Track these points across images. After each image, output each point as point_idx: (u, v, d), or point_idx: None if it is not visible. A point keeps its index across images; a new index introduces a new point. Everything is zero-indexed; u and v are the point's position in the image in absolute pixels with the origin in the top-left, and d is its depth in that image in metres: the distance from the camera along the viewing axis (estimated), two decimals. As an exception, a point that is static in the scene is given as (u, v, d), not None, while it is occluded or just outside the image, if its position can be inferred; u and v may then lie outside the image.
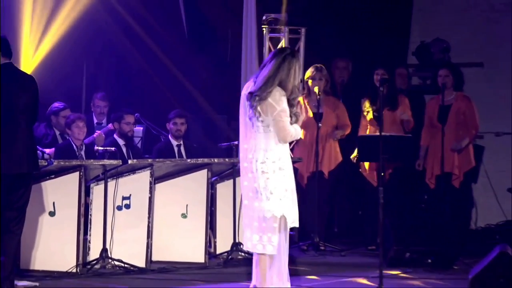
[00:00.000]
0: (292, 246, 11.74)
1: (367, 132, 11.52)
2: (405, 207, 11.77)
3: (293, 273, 10.04)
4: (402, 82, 12.30)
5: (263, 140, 7.81)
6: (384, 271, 8.44)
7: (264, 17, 12.24)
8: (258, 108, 7.71)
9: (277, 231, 7.73)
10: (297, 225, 7.91)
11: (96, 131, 11.56)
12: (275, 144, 7.85)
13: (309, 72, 11.70)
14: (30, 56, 12.21)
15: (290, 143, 11.83)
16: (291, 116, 7.86)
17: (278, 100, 7.72)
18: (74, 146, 10.64)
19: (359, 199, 12.29)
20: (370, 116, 11.56)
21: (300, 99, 11.74)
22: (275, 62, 7.79)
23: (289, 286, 7.94)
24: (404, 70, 12.61)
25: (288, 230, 7.87)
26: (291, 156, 11.52)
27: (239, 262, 10.40)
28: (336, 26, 13.13)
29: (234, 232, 10.54)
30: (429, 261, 10.52)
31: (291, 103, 7.81)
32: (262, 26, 12.28)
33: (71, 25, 12.47)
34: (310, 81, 11.65)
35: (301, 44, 12.52)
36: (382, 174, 9.34)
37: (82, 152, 10.66)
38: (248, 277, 9.43)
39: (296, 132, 7.95)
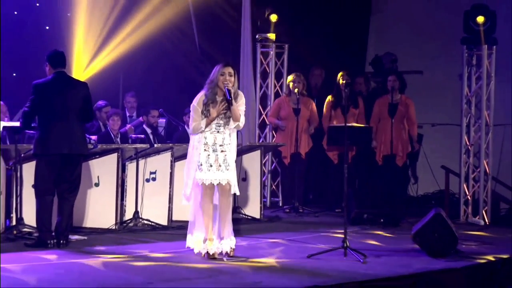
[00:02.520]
0: (277, 209, 11.89)
1: (335, 123, 11.58)
2: (363, 180, 11.83)
3: (279, 229, 10.17)
4: (361, 87, 12.33)
5: None
6: (348, 228, 8.49)
7: (257, 36, 12.29)
8: None
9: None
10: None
11: (127, 124, 11.60)
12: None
13: (290, 77, 11.72)
14: (83, 67, 12.22)
15: (275, 131, 12.07)
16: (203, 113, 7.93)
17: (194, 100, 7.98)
18: (112, 134, 10.70)
19: (327, 173, 12.32)
20: (328, 99, 11.67)
21: (284, 97, 11.95)
22: None
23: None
24: (362, 78, 12.62)
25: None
26: (274, 142, 11.73)
27: (240, 220, 10.44)
28: (312, 43, 13.11)
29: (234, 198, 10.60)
30: (381, 220, 10.56)
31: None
32: (256, 42, 12.35)
33: (114, 47, 12.50)
34: (291, 84, 11.71)
35: (285, 57, 12.60)
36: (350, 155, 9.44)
37: (118, 139, 10.71)
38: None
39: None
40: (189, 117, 11.17)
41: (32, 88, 8.45)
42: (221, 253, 7.99)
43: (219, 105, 7.91)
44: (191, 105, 8.02)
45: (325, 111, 11.78)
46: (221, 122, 7.97)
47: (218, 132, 7.99)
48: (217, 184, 7.99)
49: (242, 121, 8.02)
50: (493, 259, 8.51)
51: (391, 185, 11.37)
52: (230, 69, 7.95)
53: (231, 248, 8.02)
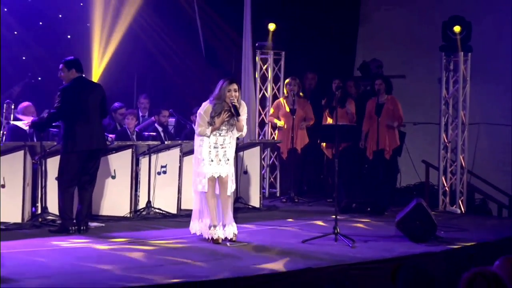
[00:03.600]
0: (275, 199, 11.89)
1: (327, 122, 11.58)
2: (352, 173, 11.83)
3: (276, 217, 10.18)
4: (351, 90, 12.31)
5: None
6: (338, 216, 8.51)
7: (256, 44, 12.27)
8: None
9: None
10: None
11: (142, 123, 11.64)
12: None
13: (287, 81, 11.73)
14: (101, 72, 12.22)
15: (274, 129, 12.08)
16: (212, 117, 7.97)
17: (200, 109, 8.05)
18: (128, 132, 10.69)
19: (320, 167, 12.33)
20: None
21: (281, 99, 11.97)
22: None
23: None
24: (352, 82, 12.60)
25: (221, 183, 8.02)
26: (274, 138, 11.74)
27: (242, 209, 10.46)
28: (306, 50, 13.12)
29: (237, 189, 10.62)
30: (368, 209, 10.56)
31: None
32: (256, 50, 12.34)
33: (128, 54, 12.50)
34: (286, 88, 11.79)
35: (282, 63, 12.57)
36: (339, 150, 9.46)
37: (134, 136, 10.70)
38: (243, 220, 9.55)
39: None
40: (195, 117, 11.26)
41: (60, 91, 8.46)
42: (225, 239, 8.01)
43: (223, 115, 7.98)
44: (198, 113, 8.11)
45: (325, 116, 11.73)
46: (224, 128, 8.05)
47: (220, 135, 8.06)
48: (218, 177, 8.03)
49: (244, 131, 8.20)
50: (468, 244, 8.55)
51: (381, 177, 11.36)
52: (235, 86, 8.05)
53: (234, 234, 8.05)
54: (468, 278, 3.98)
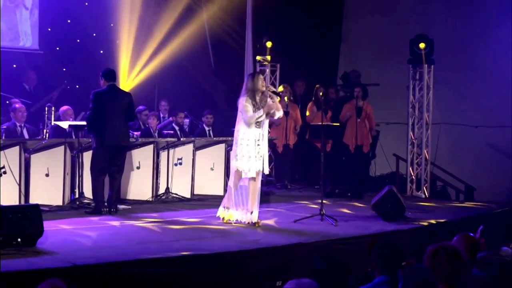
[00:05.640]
0: (271, 186, 11.85)
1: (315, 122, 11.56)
2: (335, 164, 11.81)
3: (273, 201, 10.17)
4: (332, 95, 12.28)
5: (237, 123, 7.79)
6: (324, 200, 8.50)
7: (256, 57, 12.24)
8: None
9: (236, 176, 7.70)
10: (253, 175, 7.67)
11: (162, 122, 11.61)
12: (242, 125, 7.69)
13: (281, 88, 11.72)
14: (128, 81, 12.21)
15: (270, 126, 12.02)
16: (254, 106, 7.58)
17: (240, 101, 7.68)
18: (151, 130, 10.67)
19: (309, 159, 12.28)
20: (310, 105, 11.58)
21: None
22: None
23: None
24: (333, 89, 12.58)
25: (250, 176, 7.68)
26: (270, 136, 11.68)
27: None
28: (297, 63, 13.05)
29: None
30: (349, 194, 10.53)
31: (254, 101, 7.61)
32: (256, 62, 12.30)
33: (151, 66, 12.50)
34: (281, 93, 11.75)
35: (277, 73, 12.50)
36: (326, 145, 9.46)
37: (156, 133, 10.68)
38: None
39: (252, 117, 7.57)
40: (206, 118, 11.23)
41: (92, 95, 8.42)
42: (250, 223, 7.75)
43: (269, 101, 7.66)
44: (240, 104, 7.65)
45: (308, 114, 11.74)
46: (261, 120, 7.71)
47: (258, 127, 7.71)
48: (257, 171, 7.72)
49: (281, 112, 7.90)
50: (431, 222, 8.55)
51: (360, 167, 11.36)
52: (262, 76, 7.93)
53: (259, 219, 7.81)
54: (432, 251, 3.98)
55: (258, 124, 7.72)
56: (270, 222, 8.16)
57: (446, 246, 4.01)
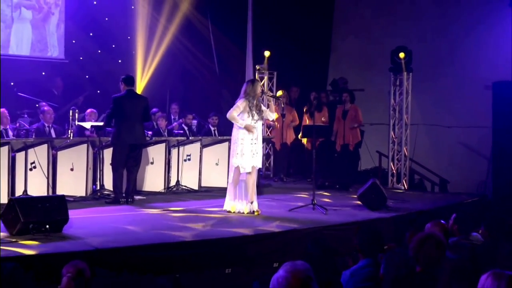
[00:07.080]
0: (269, 179, 11.83)
1: (307, 123, 11.51)
2: (325, 160, 11.79)
3: (270, 192, 10.15)
4: (324, 99, 12.23)
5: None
6: (315, 191, 8.50)
7: (256, 66, 12.21)
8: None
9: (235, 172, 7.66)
10: (250, 170, 7.63)
11: (174, 123, 11.56)
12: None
13: (280, 93, 11.63)
14: (143, 86, 12.23)
15: (268, 128, 11.98)
16: (250, 108, 7.52)
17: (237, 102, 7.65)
18: (161, 131, 10.64)
19: (303, 155, 12.26)
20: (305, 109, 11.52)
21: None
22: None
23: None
24: (325, 94, 12.56)
25: (247, 171, 7.63)
26: (269, 135, 11.65)
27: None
28: (292, 70, 13.05)
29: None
30: (337, 186, 10.51)
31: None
32: (255, 70, 12.26)
33: (163, 73, 12.49)
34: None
35: (274, 80, 12.46)
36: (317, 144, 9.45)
37: (165, 133, 10.65)
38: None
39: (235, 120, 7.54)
40: (212, 119, 11.17)
41: (112, 99, 8.41)
42: (250, 212, 7.73)
43: (272, 102, 7.83)
44: (236, 104, 7.61)
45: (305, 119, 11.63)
46: (257, 117, 7.68)
47: (254, 127, 7.66)
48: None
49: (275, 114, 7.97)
50: (410, 211, 8.54)
51: (346, 163, 11.33)
52: (260, 83, 7.96)
53: (258, 208, 7.80)
54: (419, 239, 3.91)
55: (253, 123, 7.67)
56: (268, 211, 8.14)
57: (434, 235, 3.97)
